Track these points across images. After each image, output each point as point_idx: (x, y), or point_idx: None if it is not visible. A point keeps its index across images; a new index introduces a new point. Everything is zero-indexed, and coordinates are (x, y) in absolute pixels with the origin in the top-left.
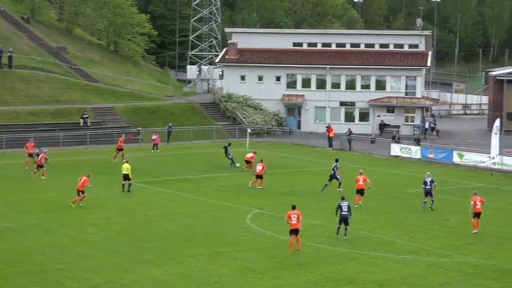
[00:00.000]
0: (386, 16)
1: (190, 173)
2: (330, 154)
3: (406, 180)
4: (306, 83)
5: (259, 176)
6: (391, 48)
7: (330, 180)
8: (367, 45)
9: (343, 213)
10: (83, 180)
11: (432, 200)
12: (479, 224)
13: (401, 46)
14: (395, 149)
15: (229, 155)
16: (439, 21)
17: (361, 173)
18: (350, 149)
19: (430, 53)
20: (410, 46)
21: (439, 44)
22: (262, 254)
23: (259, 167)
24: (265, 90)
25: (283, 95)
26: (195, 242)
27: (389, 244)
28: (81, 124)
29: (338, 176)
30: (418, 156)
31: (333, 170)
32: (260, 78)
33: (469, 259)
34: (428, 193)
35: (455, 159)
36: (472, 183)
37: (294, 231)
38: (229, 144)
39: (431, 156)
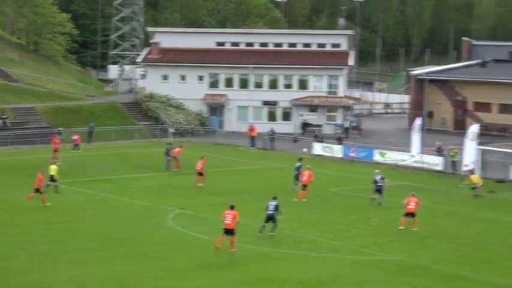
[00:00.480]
0: (309, 16)
1: (112, 173)
2: (252, 153)
3: (329, 179)
4: (229, 83)
5: (200, 173)
6: (314, 47)
7: (297, 179)
8: (290, 45)
9: (268, 212)
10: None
11: (381, 197)
12: (415, 223)
13: (323, 46)
14: (318, 148)
15: (168, 156)
16: (361, 21)
17: (308, 169)
18: (272, 148)
19: (352, 52)
20: (333, 46)
21: (361, 44)
22: (183, 254)
23: (199, 165)
24: (187, 89)
25: (206, 94)
26: (116, 243)
27: (312, 243)
28: (1, 125)
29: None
30: (340, 155)
31: (297, 170)
32: (183, 78)
33: (391, 257)
34: (378, 190)
35: (377, 157)
36: (394, 181)
37: (226, 231)
38: (170, 144)
39: (353, 155)
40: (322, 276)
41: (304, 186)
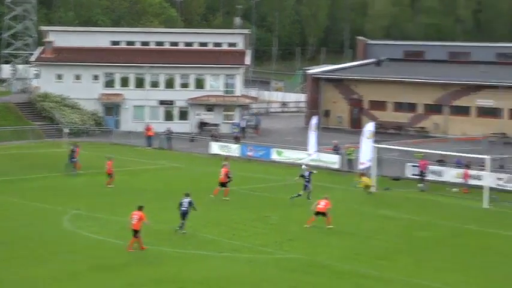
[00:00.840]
0: (205, 15)
1: (6, 174)
2: (149, 153)
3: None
4: (125, 82)
5: (109, 175)
6: (210, 47)
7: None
8: (186, 44)
9: (182, 208)
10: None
11: (309, 192)
12: (329, 221)
13: (220, 45)
14: (215, 147)
15: (73, 158)
16: (257, 20)
17: (224, 165)
18: (170, 148)
19: (248, 51)
20: (229, 45)
21: (257, 43)
22: (78, 256)
23: (107, 166)
24: (82, 89)
25: (101, 94)
26: (10, 246)
27: (211, 242)
28: None
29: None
30: (238, 154)
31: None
32: (77, 77)
33: (290, 255)
34: (306, 186)
35: (274, 156)
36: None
37: (133, 232)
38: (76, 146)
39: (250, 154)
40: (223, 276)
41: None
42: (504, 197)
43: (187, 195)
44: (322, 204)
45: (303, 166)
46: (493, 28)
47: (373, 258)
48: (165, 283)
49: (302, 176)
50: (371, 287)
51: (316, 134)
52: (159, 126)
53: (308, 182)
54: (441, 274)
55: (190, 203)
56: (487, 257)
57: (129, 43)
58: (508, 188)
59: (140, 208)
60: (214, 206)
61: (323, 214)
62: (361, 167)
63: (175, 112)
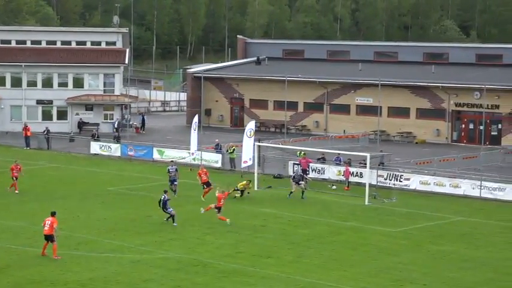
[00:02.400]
0: (83, 13)
1: None
2: (27, 153)
3: (106, 178)
4: (1, 81)
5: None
6: (89, 45)
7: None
8: (63, 43)
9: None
10: None
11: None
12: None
13: (98, 43)
14: (95, 147)
15: None
16: (136, 19)
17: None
18: (48, 148)
19: (127, 50)
20: (108, 43)
21: (136, 42)
22: None
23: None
24: None
25: None
26: None
27: (92, 243)
28: None
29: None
30: (118, 153)
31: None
32: None
33: (171, 254)
34: (173, 181)
35: (156, 156)
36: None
37: (46, 237)
38: None
39: (131, 153)
40: (104, 276)
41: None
42: (384, 193)
43: (165, 191)
44: (222, 202)
45: (171, 161)
46: (370, 27)
47: (256, 256)
48: (46, 285)
49: (168, 170)
50: (255, 285)
51: (198, 133)
52: (38, 126)
53: (175, 178)
54: (323, 270)
55: (164, 202)
56: (366, 253)
57: (4, 42)
58: (388, 185)
59: (53, 214)
60: (91, 207)
61: (218, 209)
62: (243, 165)
63: (54, 112)
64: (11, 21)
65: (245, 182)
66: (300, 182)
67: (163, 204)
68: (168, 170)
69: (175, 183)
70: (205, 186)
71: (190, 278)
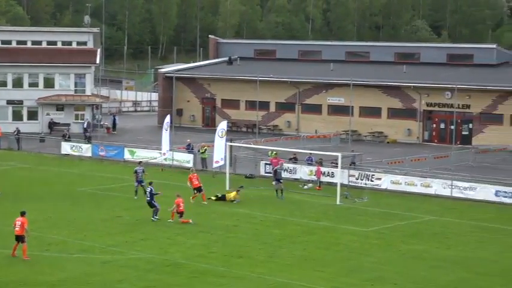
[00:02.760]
0: (54, 13)
1: None
2: None
3: (77, 178)
4: None
5: None
6: (59, 45)
7: None
8: (34, 43)
9: (147, 198)
10: None
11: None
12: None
13: (69, 43)
14: (66, 148)
15: None
16: (107, 18)
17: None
18: (19, 149)
19: (98, 50)
20: (79, 43)
21: (107, 41)
22: None
23: None
24: None
25: None
26: None
27: (62, 244)
28: None
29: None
30: (89, 154)
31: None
32: None
33: (143, 255)
34: (140, 182)
35: (127, 156)
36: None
37: (16, 238)
38: None
39: (102, 154)
40: (75, 277)
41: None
42: (356, 193)
43: (150, 183)
44: (182, 206)
45: (139, 161)
46: (342, 27)
47: (228, 256)
48: (16, 286)
49: (135, 171)
50: (227, 285)
51: (169, 133)
52: (8, 126)
53: (141, 177)
54: (295, 270)
55: (151, 193)
56: (338, 252)
57: None
58: (359, 185)
59: (22, 213)
60: (61, 207)
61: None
62: (215, 165)
63: (24, 112)
64: None
65: (234, 193)
66: (281, 181)
67: (150, 196)
68: (136, 170)
69: (142, 184)
70: (195, 192)
71: (162, 279)
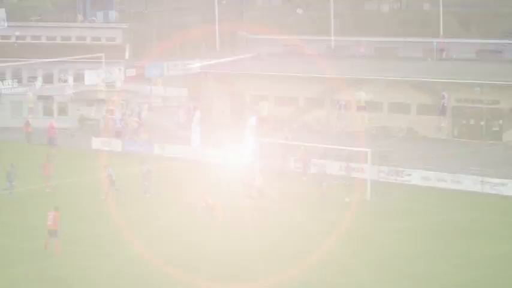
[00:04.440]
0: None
1: None
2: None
3: None
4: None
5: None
6: (88, 41)
7: None
8: (63, 38)
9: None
10: None
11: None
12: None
13: (98, 39)
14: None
15: None
16: (136, 14)
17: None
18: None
19: (127, 45)
20: (108, 39)
21: (136, 37)
22: None
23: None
24: None
25: None
26: None
27: None
28: None
29: None
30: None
31: None
32: None
33: None
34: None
35: (157, 151)
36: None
37: (49, 232)
38: None
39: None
40: None
41: None
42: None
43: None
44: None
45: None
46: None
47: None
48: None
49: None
50: None
51: (198, 129)
52: (39, 122)
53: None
54: None
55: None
56: None
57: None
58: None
59: (55, 208)
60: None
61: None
62: None
63: (55, 107)
64: None
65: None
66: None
67: None
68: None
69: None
70: None
71: None
